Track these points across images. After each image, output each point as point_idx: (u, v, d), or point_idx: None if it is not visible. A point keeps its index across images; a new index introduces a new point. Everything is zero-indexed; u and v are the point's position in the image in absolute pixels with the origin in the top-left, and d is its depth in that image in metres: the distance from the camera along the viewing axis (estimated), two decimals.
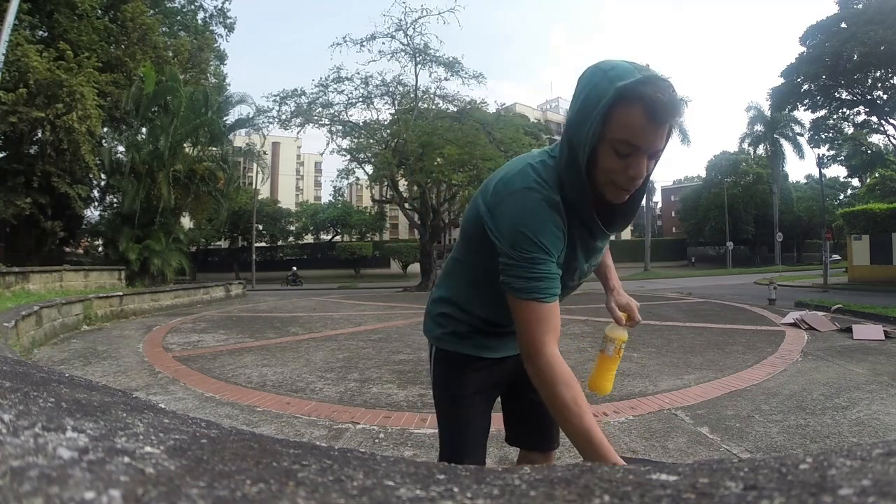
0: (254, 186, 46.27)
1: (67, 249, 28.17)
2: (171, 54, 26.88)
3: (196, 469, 0.38)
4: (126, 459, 0.39)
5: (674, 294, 20.28)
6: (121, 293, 14.60)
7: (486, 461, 2.07)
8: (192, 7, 32.12)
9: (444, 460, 1.81)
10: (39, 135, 20.62)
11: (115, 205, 27.40)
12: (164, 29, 28.65)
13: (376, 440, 4.07)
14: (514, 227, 1.42)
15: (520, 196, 1.45)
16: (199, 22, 32.33)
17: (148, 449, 0.42)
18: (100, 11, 24.31)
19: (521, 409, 2.06)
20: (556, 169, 1.48)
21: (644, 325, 10.24)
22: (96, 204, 28.55)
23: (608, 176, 1.39)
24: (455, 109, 28.83)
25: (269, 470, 0.40)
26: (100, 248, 28.95)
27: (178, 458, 0.40)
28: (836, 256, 33.69)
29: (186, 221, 31.66)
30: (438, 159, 25.89)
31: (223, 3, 33.66)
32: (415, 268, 43.20)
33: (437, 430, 2.03)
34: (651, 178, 1.46)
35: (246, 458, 0.41)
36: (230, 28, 33.90)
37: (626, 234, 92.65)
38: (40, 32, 22.66)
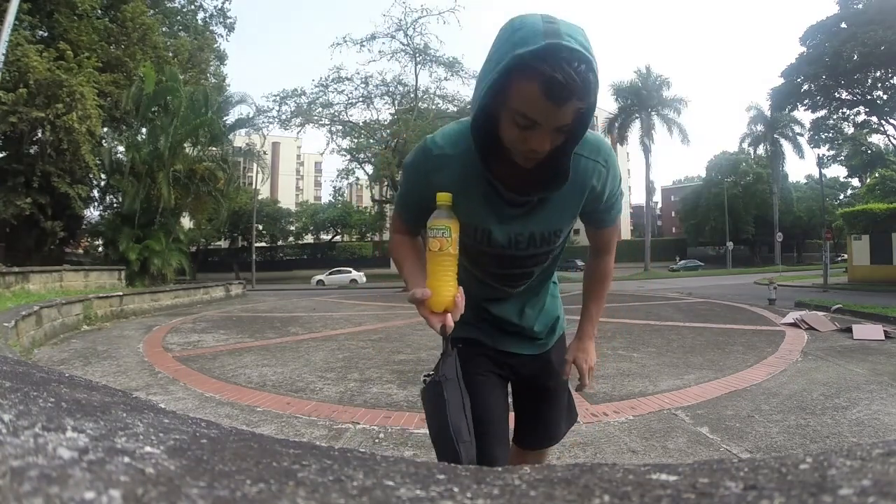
0: (254, 186, 46.25)
1: (67, 249, 28.14)
2: (171, 54, 26.92)
3: (196, 469, 0.38)
4: (126, 459, 0.39)
5: (674, 294, 20.29)
6: (121, 293, 14.60)
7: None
8: (192, 7, 32.16)
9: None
10: (39, 135, 20.63)
11: (115, 205, 27.38)
12: (164, 29, 28.66)
13: (376, 440, 4.07)
14: None
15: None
16: (199, 22, 32.36)
17: (148, 449, 0.42)
18: (100, 11, 24.34)
19: (526, 406, 2.06)
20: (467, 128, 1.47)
21: (644, 325, 10.26)
22: (96, 204, 28.55)
23: (510, 144, 1.36)
24: (455, 109, 28.82)
25: (270, 470, 0.40)
26: (100, 248, 28.92)
27: (178, 458, 0.40)
28: (845, 255, 33.81)
29: (186, 221, 31.66)
30: None
31: (223, 3, 33.70)
32: None
33: None
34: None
35: (246, 458, 0.41)
36: (230, 28, 33.92)
37: (626, 233, 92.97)
38: (40, 32, 22.67)
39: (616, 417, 4.46)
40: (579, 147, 1.44)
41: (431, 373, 1.60)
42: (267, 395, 5.40)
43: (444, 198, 1.50)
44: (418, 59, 28.07)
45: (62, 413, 0.51)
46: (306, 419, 4.60)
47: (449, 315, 1.46)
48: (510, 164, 1.44)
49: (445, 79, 28.92)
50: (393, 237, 1.78)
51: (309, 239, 70.76)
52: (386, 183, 31.67)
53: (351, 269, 46.77)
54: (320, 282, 42.05)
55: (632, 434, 4.07)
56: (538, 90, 1.21)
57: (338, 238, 68.04)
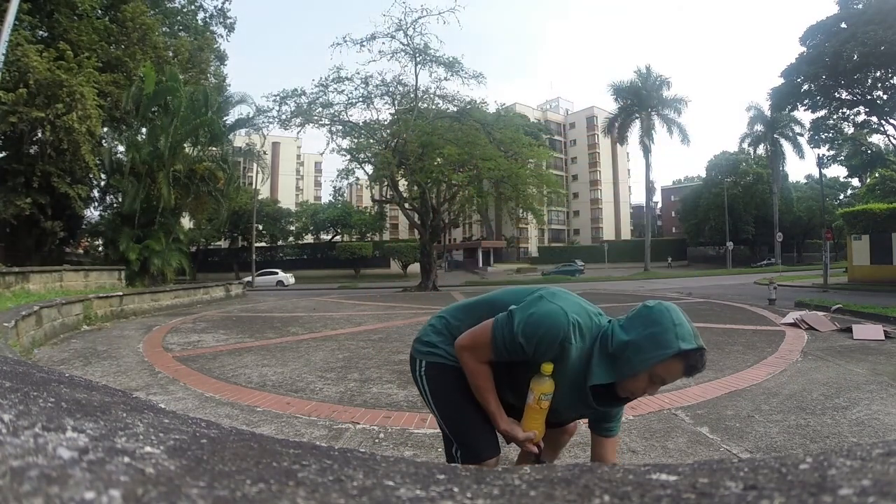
0: (254, 186, 46.32)
1: (67, 249, 28.09)
2: (171, 54, 26.86)
3: (196, 469, 0.38)
4: (126, 459, 0.39)
5: (673, 294, 20.28)
6: (121, 293, 14.60)
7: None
8: (192, 7, 32.09)
9: (459, 439, 2.20)
10: (39, 135, 20.55)
11: (115, 205, 27.31)
12: (164, 29, 28.60)
13: (376, 440, 4.07)
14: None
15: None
16: (199, 22, 32.31)
17: (148, 449, 0.42)
18: (100, 11, 24.29)
19: None
20: (602, 338, 2.00)
21: None
22: (96, 204, 28.51)
23: (630, 389, 1.92)
24: (455, 109, 28.79)
25: (270, 470, 0.40)
26: (100, 248, 28.92)
27: (178, 458, 0.40)
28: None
29: (186, 221, 31.64)
30: (438, 159, 25.91)
31: (223, 4, 33.67)
32: (415, 268, 43.15)
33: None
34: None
35: (246, 458, 0.41)
36: (230, 28, 33.88)
37: (627, 233, 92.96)
38: (40, 32, 22.62)
39: None
40: None
41: None
42: (267, 395, 5.40)
43: (548, 368, 1.94)
44: (418, 59, 28.02)
45: (62, 413, 0.51)
46: (306, 419, 4.60)
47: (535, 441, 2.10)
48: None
49: (445, 79, 28.88)
50: (479, 366, 2.08)
51: (309, 239, 70.67)
52: (386, 183, 31.61)
53: (278, 271, 46.67)
54: (249, 283, 41.68)
55: (632, 434, 4.07)
56: (682, 369, 1.84)
57: (338, 238, 67.99)
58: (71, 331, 10.46)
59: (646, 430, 4.16)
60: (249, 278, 41.64)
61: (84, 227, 28.84)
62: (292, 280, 44.61)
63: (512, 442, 2.07)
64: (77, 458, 0.38)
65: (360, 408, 4.91)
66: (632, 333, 1.90)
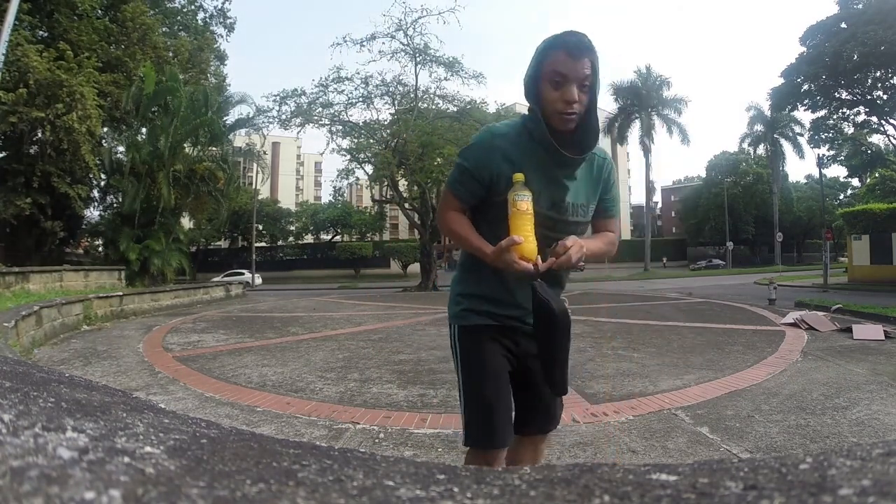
0: (254, 186, 46.28)
1: (67, 249, 28.09)
2: (171, 54, 26.85)
3: (196, 469, 0.38)
4: (126, 459, 0.39)
5: (674, 294, 20.28)
6: (121, 293, 14.60)
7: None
8: (193, 7, 32.09)
9: (473, 415, 2.09)
10: (39, 135, 20.59)
11: (115, 205, 27.34)
12: (164, 29, 28.60)
13: (376, 440, 4.07)
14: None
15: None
16: (199, 22, 32.31)
17: (148, 449, 0.42)
18: (100, 11, 24.32)
19: (530, 396, 2.20)
20: (521, 118, 2.04)
21: (644, 325, 10.26)
22: (96, 204, 28.51)
23: (551, 106, 1.87)
24: (455, 109, 28.74)
25: (270, 470, 0.40)
26: (100, 248, 28.93)
27: (178, 458, 0.40)
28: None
29: (186, 221, 31.66)
30: (438, 159, 25.85)
31: (223, 4, 33.72)
32: (415, 268, 43.11)
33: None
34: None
35: (246, 458, 0.41)
36: (230, 28, 33.88)
37: (626, 233, 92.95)
38: (40, 32, 22.65)
39: (616, 417, 4.46)
40: (596, 150, 2.06)
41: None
42: (267, 395, 5.40)
43: (519, 177, 1.90)
44: (418, 59, 27.99)
45: (62, 413, 0.51)
46: (306, 419, 4.60)
47: (536, 262, 1.84)
48: (556, 135, 1.92)
49: (445, 79, 28.82)
50: (448, 214, 2.13)
51: (309, 239, 70.74)
52: (386, 183, 31.61)
53: (245, 271, 45.99)
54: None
55: (632, 434, 4.07)
56: (563, 52, 1.82)
57: (338, 238, 68.05)
58: (71, 331, 10.46)
59: (646, 430, 4.16)
60: (217, 278, 41.35)
61: (84, 227, 28.85)
62: (259, 281, 43.96)
63: (507, 268, 1.87)
64: (77, 458, 0.38)
65: (360, 408, 4.90)
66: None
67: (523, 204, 1.88)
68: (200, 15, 32.63)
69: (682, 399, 4.96)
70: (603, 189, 2.16)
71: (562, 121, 1.88)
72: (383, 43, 28.32)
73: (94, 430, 0.46)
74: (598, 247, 2.12)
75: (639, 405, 4.76)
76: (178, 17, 31.29)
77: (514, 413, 2.14)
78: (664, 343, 8.20)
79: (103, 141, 24.64)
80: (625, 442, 3.90)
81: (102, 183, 26.33)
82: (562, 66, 1.82)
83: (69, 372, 6.74)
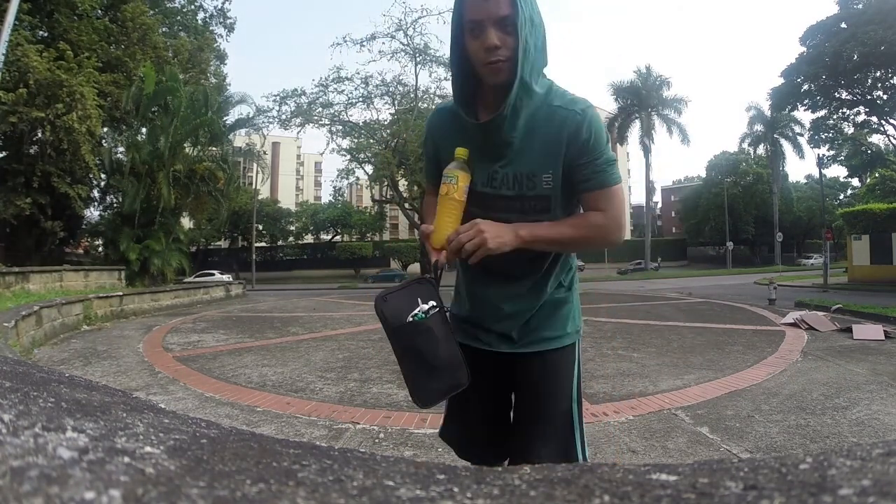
0: (254, 186, 46.35)
1: (67, 250, 28.19)
2: (171, 54, 26.96)
3: (196, 469, 0.38)
4: (126, 459, 0.39)
5: (674, 294, 20.28)
6: (121, 293, 14.61)
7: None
8: (192, 7, 32.25)
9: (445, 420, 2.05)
10: (39, 135, 20.73)
11: (115, 205, 27.46)
12: (164, 29, 28.76)
13: (376, 440, 4.07)
14: None
15: None
16: (199, 22, 32.49)
17: (148, 449, 0.42)
18: (100, 11, 24.46)
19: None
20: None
21: (644, 325, 10.26)
22: (96, 204, 28.69)
23: (475, 58, 1.61)
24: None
25: (269, 470, 0.40)
26: (100, 249, 29.02)
27: (178, 458, 0.40)
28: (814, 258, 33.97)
29: (186, 221, 31.71)
30: None
31: (223, 4, 33.85)
32: (415, 268, 43.12)
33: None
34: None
35: (246, 458, 0.41)
36: (230, 28, 34.02)
37: (627, 233, 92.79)
38: (40, 32, 22.73)
39: (616, 417, 4.46)
40: (554, 98, 1.67)
41: (427, 307, 1.68)
42: (267, 395, 5.40)
43: (460, 153, 1.71)
44: (418, 59, 28.08)
45: (62, 413, 0.51)
46: (306, 419, 4.60)
47: (444, 252, 1.66)
48: (487, 94, 1.71)
49: (445, 79, 28.83)
50: (425, 199, 2.09)
51: (309, 239, 70.84)
52: (386, 183, 31.66)
53: (216, 272, 45.48)
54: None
55: (632, 434, 4.07)
56: None
57: (338, 238, 68.13)
58: (71, 331, 10.46)
59: (646, 430, 4.16)
60: (190, 278, 40.99)
61: (84, 227, 28.97)
62: (228, 278, 43.70)
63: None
64: (77, 458, 0.38)
65: (360, 408, 4.91)
66: None
67: (443, 187, 1.70)
68: (200, 15, 32.87)
69: (682, 399, 4.96)
70: (574, 153, 1.66)
71: (490, 71, 1.60)
72: (383, 43, 28.49)
73: (94, 430, 0.46)
74: (558, 233, 1.70)
75: (639, 405, 4.77)
76: (178, 17, 31.42)
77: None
78: (664, 343, 8.20)
79: (103, 141, 24.71)
80: (625, 442, 3.90)
81: (102, 183, 26.44)
82: (475, 10, 1.56)
83: (69, 372, 6.74)
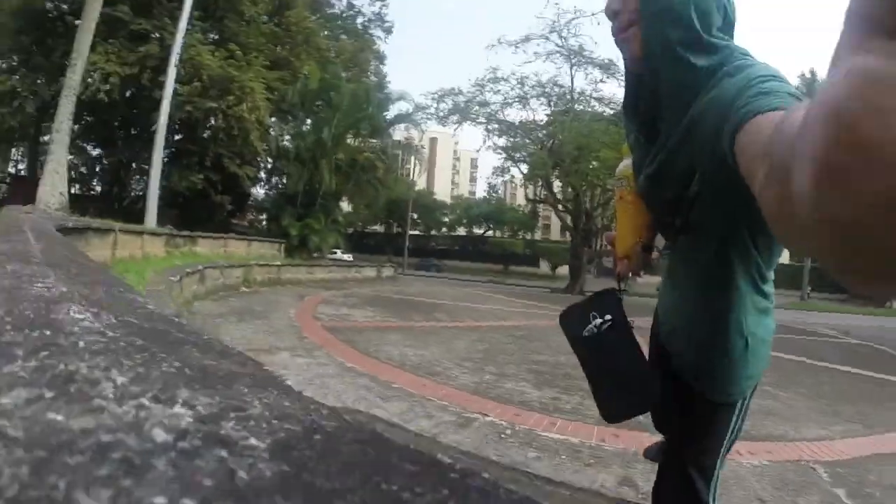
0: (411, 178, 47.71)
1: (234, 221, 30.45)
2: (333, 55, 28.87)
3: (293, 482, 0.31)
4: (223, 454, 0.33)
5: (829, 331, 17.99)
6: (279, 263, 15.53)
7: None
8: (352, 13, 34.59)
9: None
10: (213, 122, 23.13)
11: (279, 186, 29.47)
12: (325, 33, 30.86)
13: (502, 435, 4.01)
14: None
15: None
16: (359, 26, 34.68)
17: (252, 441, 0.36)
18: (266, 17, 26.76)
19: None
20: None
21: (798, 361, 9.24)
22: (262, 184, 31.62)
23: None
24: (612, 112, 28.05)
25: (375, 496, 0.32)
26: (263, 223, 30.90)
27: (279, 461, 0.34)
28: None
29: (345, 205, 33.06)
30: (594, 162, 25.35)
31: (381, 8, 35.26)
32: (564, 270, 42.47)
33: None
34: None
35: (354, 473, 0.34)
36: (388, 31, 35.85)
37: (784, 256, 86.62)
38: (212, 35, 25.18)
39: (750, 459, 4.01)
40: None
41: (601, 321, 1.56)
42: (404, 374, 5.50)
43: (625, 150, 1.59)
44: (573, 60, 27.66)
45: (180, 382, 0.47)
46: (438, 403, 4.63)
47: (626, 261, 1.53)
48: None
49: (601, 81, 28.46)
50: None
51: (461, 231, 71.83)
52: (540, 183, 31.51)
53: (338, 251, 45.17)
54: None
55: (763, 481, 3.63)
56: None
57: (489, 233, 68.71)
58: (230, 290, 11.18)
59: (779, 479, 3.69)
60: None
61: (250, 203, 31.38)
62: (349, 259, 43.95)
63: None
64: (171, 444, 0.34)
65: (492, 400, 4.89)
66: None
67: (616, 193, 1.59)
68: (359, 19, 35.13)
69: (823, 452, 4.36)
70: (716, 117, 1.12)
71: (618, 44, 1.38)
72: (537, 44, 28.13)
73: (206, 407, 0.42)
74: None
75: (776, 450, 4.27)
76: (339, 22, 33.55)
77: None
78: (816, 385, 7.34)
79: (270, 129, 26.82)
80: (754, 488, 3.49)
81: (269, 166, 28.84)
82: None
83: (224, 325, 7.18)
